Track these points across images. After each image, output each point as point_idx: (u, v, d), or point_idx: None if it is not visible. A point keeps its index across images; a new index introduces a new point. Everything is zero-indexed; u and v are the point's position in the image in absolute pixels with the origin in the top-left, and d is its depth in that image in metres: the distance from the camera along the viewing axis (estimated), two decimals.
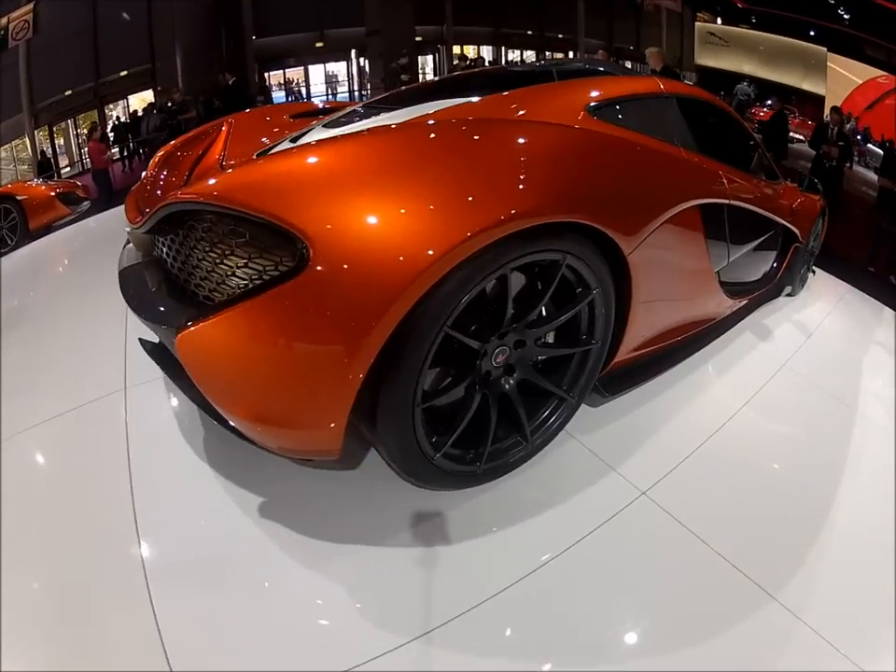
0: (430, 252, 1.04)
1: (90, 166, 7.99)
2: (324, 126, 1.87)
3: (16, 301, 2.89)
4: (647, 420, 1.92)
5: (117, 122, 10.33)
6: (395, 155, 1.20)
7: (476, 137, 1.30)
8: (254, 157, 1.72)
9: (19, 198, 5.02)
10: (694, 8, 12.70)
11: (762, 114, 9.54)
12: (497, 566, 1.35)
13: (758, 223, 2.57)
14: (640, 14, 13.27)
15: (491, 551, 1.38)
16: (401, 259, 1.03)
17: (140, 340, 1.51)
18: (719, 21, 12.89)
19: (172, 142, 2.25)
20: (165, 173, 1.89)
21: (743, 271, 2.56)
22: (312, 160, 1.22)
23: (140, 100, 11.46)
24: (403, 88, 2.46)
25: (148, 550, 1.34)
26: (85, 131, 10.76)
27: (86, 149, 9.40)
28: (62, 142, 10.72)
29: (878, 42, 9.51)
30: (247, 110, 2.86)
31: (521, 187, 1.19)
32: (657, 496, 1.61)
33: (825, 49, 10.92)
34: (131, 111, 10.79)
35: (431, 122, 1.45)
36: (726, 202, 2.03)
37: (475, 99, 1.73)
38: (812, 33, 11.06)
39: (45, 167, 9.39)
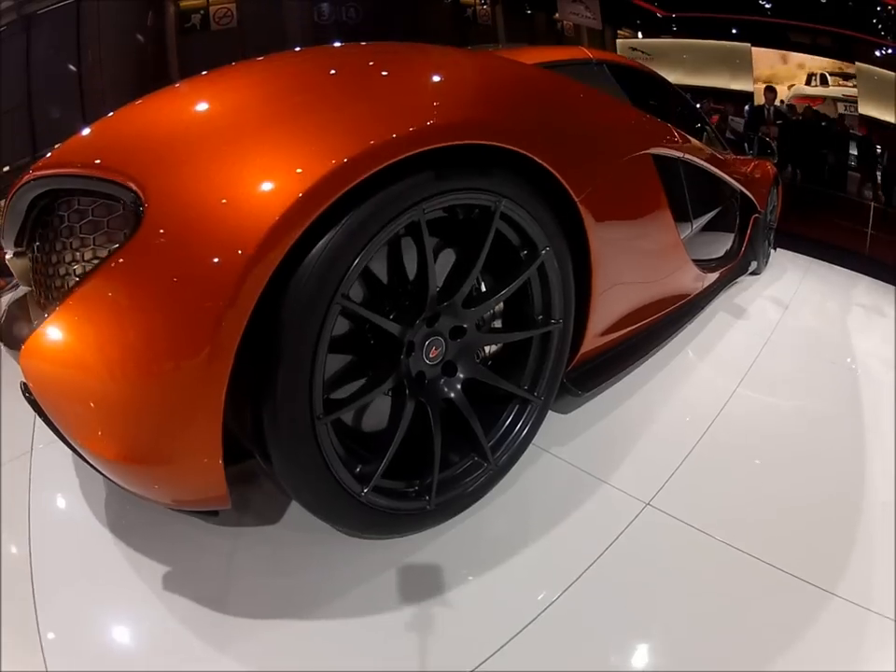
0: (292, 187, 0.76)
1: None
2: None
3: None
4: (632, 420, 1.65)
5: None
6: (252, 81, 0.94)
7: (367, 52, 1.05)
8: None
9: None
10: (615, 26, 13.09)
11: None
12: (494, 620, 1.02)
13: (715, 188, 2.43)
14: (562, 40, 13.63)
15: (483, 602, 1.05)
16: (254, 200, 0.76)
17: (21, 384, 1.18)
18: (640, 35, 13.29)
19: None
20: None
21: (707, 247, 2.40)
22: (155, 102, 0.97)
23: None
24: None
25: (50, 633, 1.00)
26: None
27: None
28: None
29: (803, 26, 9.78)
30: None
31: (421, 102, 0.91)
32: (664, 503, 1.32)
33: (749, 45, 11.28)
34: None
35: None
36: (680, 155, 1.83)
37: None
38: (734, 31, 11.41)
39: None
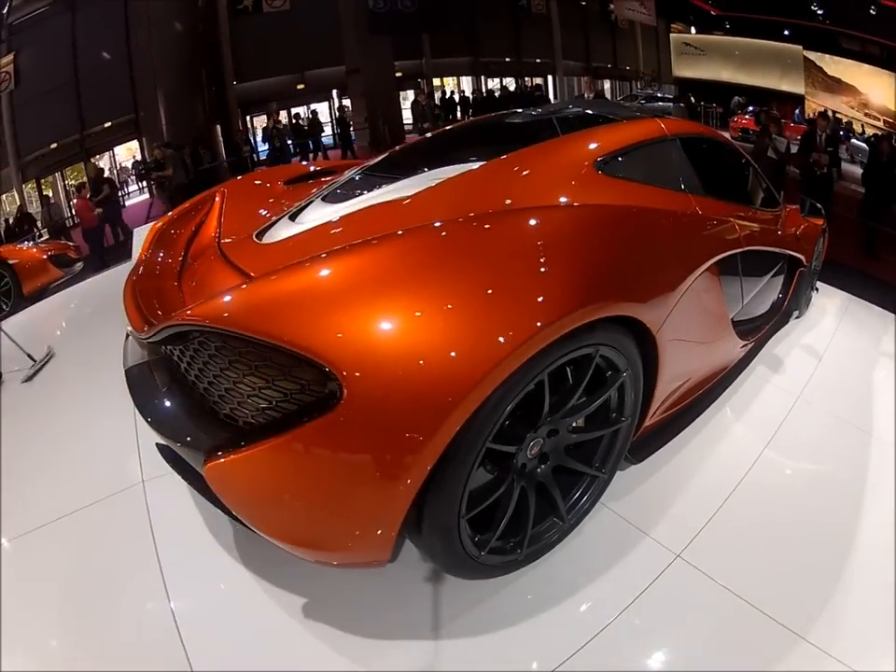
0: (473, 373, 1.04)
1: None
2: (323, 199, 1.86)
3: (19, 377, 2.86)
4: (674, 477, 1.93)
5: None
6: (413, 267, 1.19)
7: (490, 233, 1.31)
8: (253, 236, 1.71)
9: (10, 262, 4.80)
10: (668, 20, 12.89)
11: (744, 121, 9.56)
12: (543, 648, 1.37)
13: (768, 259, 2.57)
14: (615, 32, 13.49)
15: (538, 633, 1.40)
16: (442, 385, 1.03)
17: (157, 445, 1.42)
18: (693, 30, 13.08)
19: (162, 218, 2.17)
20: (161, 256, 1.85)
21: (751, 307, 2.55)
22: (327, 277, 1.19)
23: (127, 149, 11.56)
24: (398, 148, 2.45)
25: (193, 649, 1.35)
26: (72, 182, 10.63)
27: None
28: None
29: (853, 34, 9.61)
30: (239, 177, 2.82)
31: (551, 289, 1.18)
32: (692, 556, 1.62)
33: (801, 47, 11.06)
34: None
35: (438, 226, 1.39)
36: (741, 250, 2.03)
37: (475, 166, 1.71)
38: (786, 32, 11.20)
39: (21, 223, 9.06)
